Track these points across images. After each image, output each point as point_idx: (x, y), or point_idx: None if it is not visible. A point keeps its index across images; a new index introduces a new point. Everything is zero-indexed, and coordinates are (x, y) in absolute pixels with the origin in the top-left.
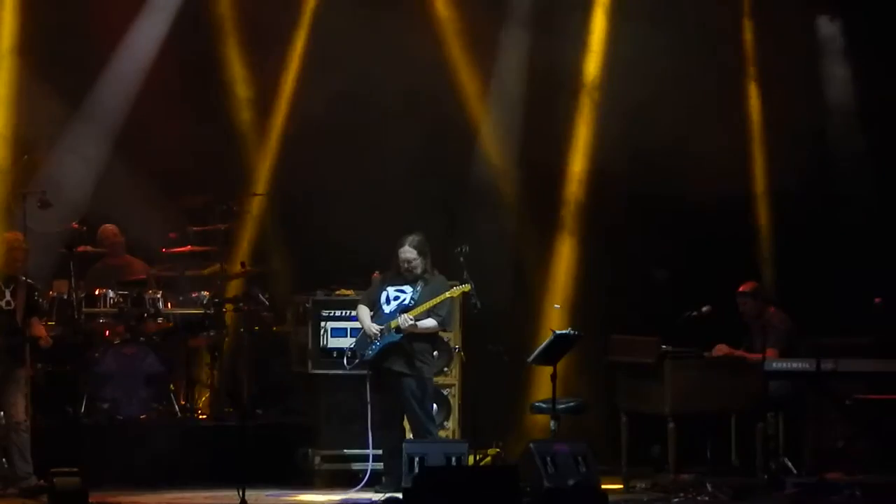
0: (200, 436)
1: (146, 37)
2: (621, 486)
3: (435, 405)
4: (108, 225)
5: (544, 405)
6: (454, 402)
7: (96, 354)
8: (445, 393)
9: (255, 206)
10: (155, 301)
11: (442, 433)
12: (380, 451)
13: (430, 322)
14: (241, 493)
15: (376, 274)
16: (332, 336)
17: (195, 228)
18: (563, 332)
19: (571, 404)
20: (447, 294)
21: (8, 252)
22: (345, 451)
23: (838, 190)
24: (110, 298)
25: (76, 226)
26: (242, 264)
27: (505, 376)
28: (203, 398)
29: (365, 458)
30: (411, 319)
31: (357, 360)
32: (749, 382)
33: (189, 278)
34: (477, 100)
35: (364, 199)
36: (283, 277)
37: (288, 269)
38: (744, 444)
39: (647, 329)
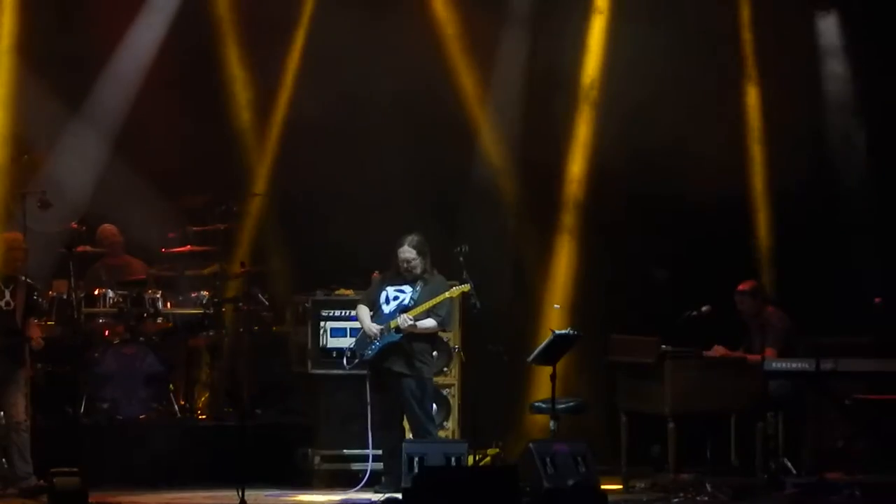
0: (200, 436)
1: (146, 37)
2: (621, 486)
3: (434, 405)
4: (107, 225)
5: (544, 405)
6: (454, 402)
7: (96, 354)
8: (445, 393)
9: (255, 205)
10: (154, 301)
11: (441, 433)
12: (379, 451)
13: (429, 322)
14: (240, 493)
15: (376, 274)
16: (331, 336)
17: (195, 228)
18: (563, 331)
19: (571, 404)
20: (447, 294)
21: (7, 252)
22: (344, 451)
23: (838, 190)
24: (110, 298)
25: (75, 226)
26: (242, 264)
27: (504, 376)
28: (202, 398)
29: (364, 458)
30: (411, 319)
31: (357, 360)
32: (749, 382)
33: (189, 278)
34: (477, 100)
35: (364, 199)
36: (282, 277)
37: (287, 268)
38: (743, 443)
39: (647, 329)
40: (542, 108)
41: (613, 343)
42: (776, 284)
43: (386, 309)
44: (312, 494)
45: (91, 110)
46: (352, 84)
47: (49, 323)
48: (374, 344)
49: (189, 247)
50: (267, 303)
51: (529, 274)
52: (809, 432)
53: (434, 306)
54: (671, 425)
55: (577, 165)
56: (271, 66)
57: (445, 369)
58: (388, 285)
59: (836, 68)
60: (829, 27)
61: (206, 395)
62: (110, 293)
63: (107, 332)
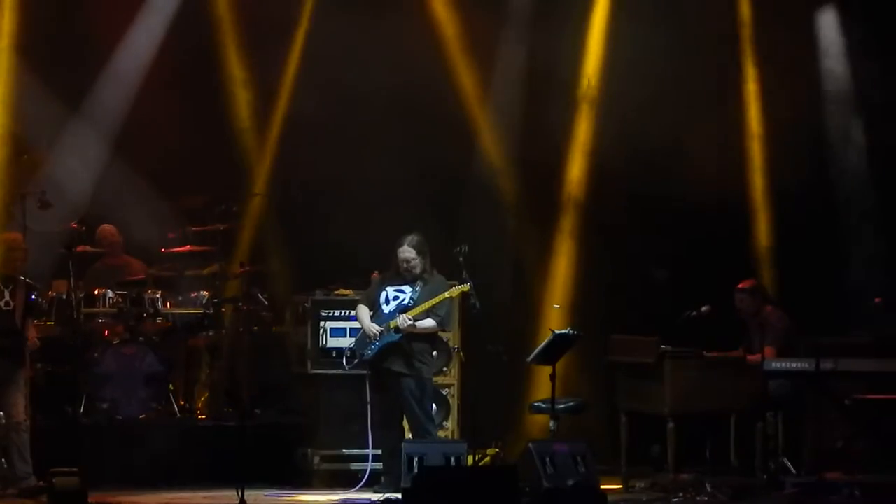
0: (199, 436)
1: (146, 37)
2: (620, 486)
3: (434, 405)
4: (106, 225)
5: (543, 405)
6: (453, 402)
7: (95, 354)
8: (445, 393)
9: (255, 205)
10: (154, 301)
11: (441, 433)
12: (379, 451)
13: (429, 322)
14: (240, 493)
15: (375, 274)
16: (331, 336)
17: (194, 228)
18: (563, 331)
19: (571, 404)
20: (446, 294)
21: (7, 252)
22: (344, 451)
23: (838, 190)
24: (109, 298)
25: (75, 226)
26: (242, 264)
27: (504, 376)
28: (202, 398)
29: (364, 458)
30: (410, 320)
31: (356, 360)
32: (748, 382)
33: (188, 278)
34: (476, 100)
35: (363, 199)
36: (282, 277)
37: (287, 268)
38: (743, 443)
39: (647, 329)
40: (542, 108)
41: (613, 343)
42: (776, 284)
43: (385, 309)
44: (312, 494)
45: (91, 110)
46: (351, 84)
47: (49, 323)
48: (374, 344)
49: (189, 247)
50: (266, 303)
51: (529, 274)
52: (809, 432)
53: (434, 306)
54: (671, 425)
55: (576, 165)
56: (271, 66)
57: (445, 369)
58: (387, 285)
59: (835, 67)
60: (828, 26)
61: (206, 394)
62: (110, 293)
63: (106, 332)
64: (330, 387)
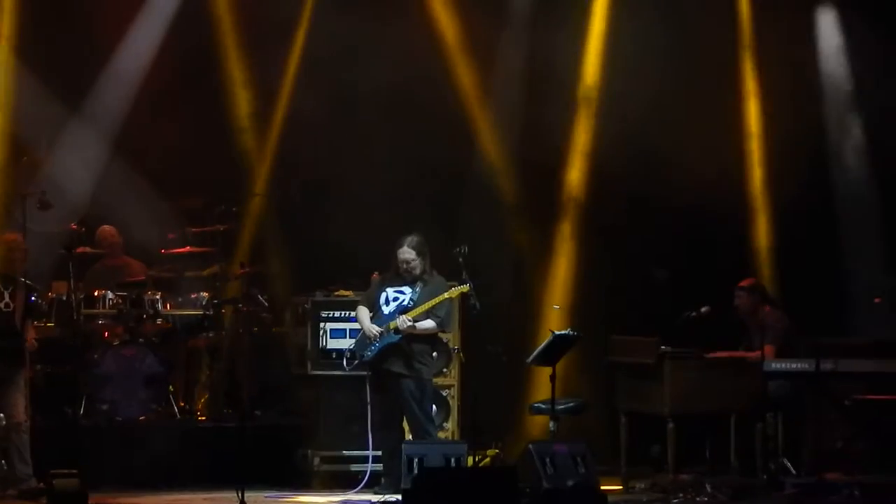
0: (199, 437)
1: (146, 37)
2: (620, 487)
3: (434, 406)
4: (106, 226)
5: (543, 406)
6: (453, 403)
7: (95, 356)
8: (444, 394)
9: (254, 206)
10: (154, 302)
11: (441, 434)
12: (379, 453)
13: (429, 323)
14: (240, 494)
15: (375, 275)
16: (331, 337)
17: (194, 229)
18: (563, 332)
19: (571, 405)
20: (446, 295)
21: (7, 253)
22: (344, 452)
23: (837, 190)
24: (109, 300)
25: (75, 227)
26: (241, 265)
27: (504, 377)
28: (202, 399)
29: (364, 460)
30: (410, 321)
31: (356, 361)
32: (748, 383)
33: (188, 279)
34: (476, 100)
35: (363, 199)
36: (282, 278)
37: (287, 269)
38: (743, 444)
39: (647, 329)
40: (542, 109)
41: (613, 343)
42: (776, 285)
43: (385, 310)
44: (312, 496)
45: (91, 110)
46: (351, 84)
47: (48, 324)
48: (374, 345)
49: (188, 248)
50: (266, 304)
51: (529, 274)
52: (809, 433)
53: (433, 307)
54: (671, 426)
55: (576, 166)
56: (271, 66)
57: (445, 370)
58: (387, 286)
59: (835, 67)
60: (828, 26)
61: (206, 396)
62: (110, 294)
63: (106, 334)
64: (330, 388)
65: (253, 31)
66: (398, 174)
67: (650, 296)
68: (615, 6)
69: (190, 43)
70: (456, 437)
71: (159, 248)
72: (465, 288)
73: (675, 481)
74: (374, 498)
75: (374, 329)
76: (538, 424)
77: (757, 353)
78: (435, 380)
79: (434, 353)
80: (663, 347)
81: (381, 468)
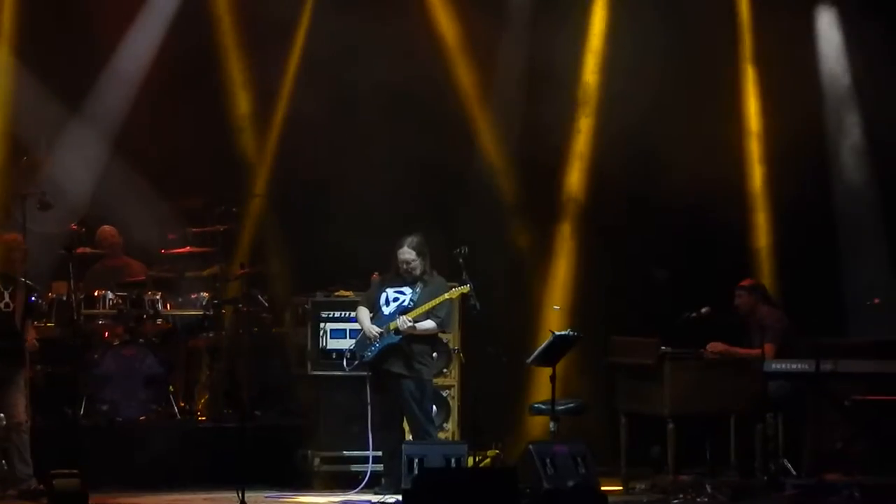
0: (199, 437)
1: (146, 37)
2: (620, 488)
3: (434, 406)
4: (106, 226)
5: (543, 406)
6: (453, 404)
7: (95, 356)
8: (445, 394)
9: (254, 207)
10: (154, 302)
11: (441, 435)
12: (379, 453)
13: (429, 324)
14: (240, 494)
15: (375, 275)
16: (331, 337)
17: (194, 230)
18: (563, 333)
19: (571, 405)
20: (446, 295)
21: (7, 253)
22: (344, 452)
23: (837, 190)
24: (109, 300)
25: (75, 227)
26: (242, 265)
27: (504, 377)
28: (202, 400)
29: (364, 460)
30: (410, 321)
31: (356, 362)
32: (748, 383)
33: (188, 280)
34: (476, 100)
35: (363, 200)
36: (282, 279)
37: (287, 270)
38: (743, 445)
39: (647, 330)
40: (542, 109)
41: (613, 344)
42: (776, 285)
43: (386, 310)
44: (312, 496)
45: (91, 110)
46: (351, 84)
47: (48, 324)
48: (374, 345)
49: (188, 248)
50: (266, 304)
51: (529, 275)
52: (809, 433)
53: (434, 308)
54: (671, 426)
55: (576, 166)
56: (271, 67)
57: (445, 371)
58: (387, 287)
59: (835, 67)
60: (828, 26)
61: (206, 396)
62: (110, 295)
63: (106, 334)
64: (330, 388)
65: (253, 31)
66: (398, 174)
67: (650, 296)
68: (615, 6)
69: (190, 43)
70: (456, 438)
71: (159, 249)
72: (466, 288)
73: (675, 482)
74: (375, 498)
75: (375, 329)
76: (538, 425)
77: (757, 351)
78: (435, 380)
79: (434, 354)
80: (663, 348)
81: (382, 468)
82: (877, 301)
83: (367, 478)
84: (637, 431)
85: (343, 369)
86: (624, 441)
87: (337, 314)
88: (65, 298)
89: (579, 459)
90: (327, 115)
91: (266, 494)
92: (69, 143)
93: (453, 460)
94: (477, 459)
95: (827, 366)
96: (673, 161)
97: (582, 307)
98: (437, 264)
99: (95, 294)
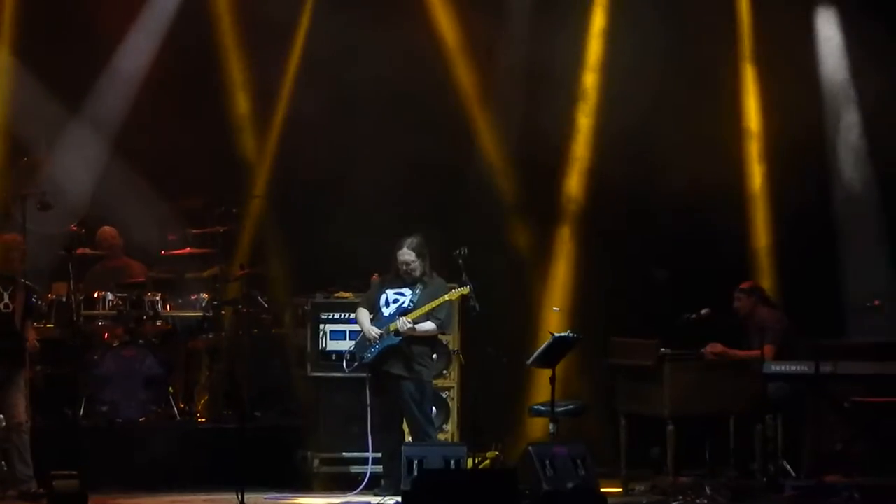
0: (199, 438)
1: (146, 37)
2: (620, 489)
3: (434, 408)
4: (106, 227)
5: (543, 408)
6: (453, 405)
7: (95, 357)
8: (444, 396)
9: (254, 208)
10: (154, 303)
11: (441, 436)
12: (379, 454)
13: (428, 325)
14: (239, 495)
15: (375, 276)
16: (330, 339)
17: (194, 231)
18: (562, 334)
19: (570, 407)
20: (446, 297)
21: (5, 253)
22: (343, 453)
23: (837, 190)
24: (109, 301)
25: (75, 228)
26: (241, 266)
27: (504, 379)
28: (202, 401)
29: (364, 461)
30: (410, 323)
31: (356, 363)
32: (748, 385)
33: (188, 281)
34: (476, 100)
35: (363, 201)
36: (281, 280)
37: (287, 271)
38: (742, 446)
39: (647, 331)
40: (541, 109)
41: (613, 345)
42: (775, 286)
43: (385, 312)
44: (312, 497)
45: (91, 110)
46: (351, 85)
47: (48, 325)
48: (374, 347)
49: (188, 249)
50: (266, 305)
51: (529, 276)
52: (808, 435)
53: (433, 309)
54: (670, 428)
55: (576, 167)
56: (271, 67)
57: (445, 372)
58: (387, 288)
59: (835, 67)
60: (827, 26)
61: (206, 397)
62: (110, 296)
63: (106, 335)
64: (329, 389)
65: (253, 31)
66: (398, 174)
67: (650, 297)
68: (614, 7)
69: (190, 43)
70: (456, 439)
71: (159, 250)
72: (466, 290)
73: (675, 483)
74: (374, 500)
75: (374, 331)
76: (538, 426)
77: (756, 353)
78: (435, 382)
79: (434, 355)
80: (663, 349)
81: (381, 470)
82: (876, 302)
83: (366, 479)
84: (637, 433)
85: (343, 370)
86: (624, 442)
87: (337, 315)
88: (64, 299)
89: (579, 461)
90: (327, 115)
91: (265, 496)
92: (69, 143)
93: (453, 462)
94: (476, 461)
95: (826, 367)
96: (672, 162)
97: (581, 308)
98: (437, 265)
99: (95, 295)
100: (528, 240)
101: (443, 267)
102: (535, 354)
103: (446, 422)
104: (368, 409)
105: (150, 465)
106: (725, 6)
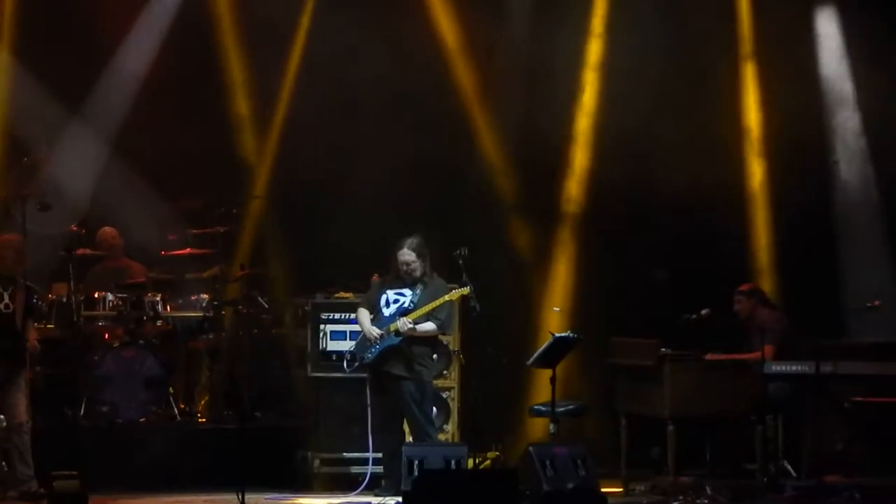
0: (199, 439)
1: (146, 37)
2: (621, 489)
3: (434, 408)
4: (106, 227)
5: (543, 408)
6: (453, 406)
7: (95, 357)
8: (445, 396)
9: (254, 208)
10: (154, 304)
11: (441, 436)
12: (379, 455)
13: (429, 326)
14: (240, 496)
15: (375, 277)
16: (331, 339)
17: (194, 231)
18: (563, 334)
19: (571, 407)
20: (446, 297)
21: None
22: (344, 454)
23: (837, 191)
24: (109, 301)
25: (75, 228)
26: (242, 267)
27: (504, 379)
28: (202, 401)
29: (364, 462)
30: (410, 323)
31: (356, 363)
32: (748, 385)
33: (188, 281)
34: (476, 101)
35: (363, 201)
36: (282, 280)
37: (287, 271)
38: (743, 446)
39: (647, 331)
40: (541, 110)
41: (613, 346)
42: (776, 287)
43: (386, 312)
44: (312, 498)
45: (91, 111)
46: (351, 85)
47: (49, 326)
48: (374, 347)
49: (189, 250)
50: (266, 306)
51: (529, 276)
52: (809, 435)
53: (434, 310)
54: (671, 428)
55: (576, 167)
56: (271, 67)
57: (445, 372)
58: (388, 288)
59: (835, 67)
60: (827, 25)
61: (206, 397)
62: (110, 296)
63: (106, 335)
64: (330, 390)
65: (253, 31)
66: (398, 175)
67: (650, 298)
68: (614, 6)
69: (190, 43)
70: (456, 440)
71: (159, 250)
72: (466, 290)
73: (676, 483)
74: (375, 500)
75: (375, 331)
76: (538, 427)
77: (756, 354)
78: (435, 382)
79: (434, 356)
80: (663, 350)
81: (382, 470)
82: (877, 303)
83: (367, 479)
84: (637, 433)
85: (343, 371)
86: (624, 442)
87: (337, 316)
88: (65, 300)
89: (579, 461)
90: (327, 115)
91: (266, 496)
92: (69, 143)
93: (453, 462)
94: (477, 461)
95: (827, 367)
96: (672, 162)
97: (582, 308)
98: (437, 266)
99: (95, 295)
100: (528, 240)
101: (443, 267)
102: (536, 354)
103: (447, 422)
104: (369, 410)
105: (151, 465)
106: (725, 6)
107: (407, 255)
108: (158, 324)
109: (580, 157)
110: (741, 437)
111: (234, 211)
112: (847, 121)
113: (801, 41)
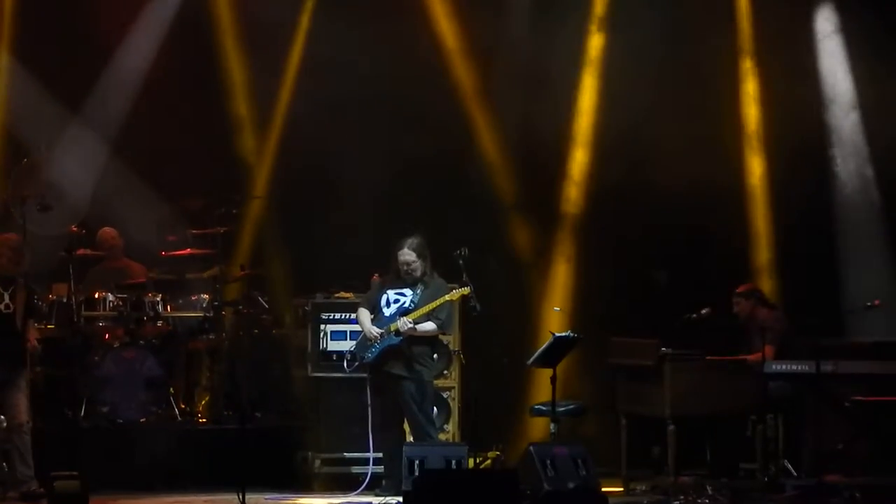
0: (200, 439)
1: (146, 37)
2: (621, 489)
3: (435, 408)
4: (107, 228)
5: (544, 408)
6: (454, 405)
7: (96, 358)
8: (445, 396)
9: (255, 208)
10: (154, 304)
11: (442, 436)
12: (380, 455)
13: (429, 325)
14: (240, 496)
15: (376, 277)
16: (331, 339)
17: (194, 231)
18: (563, 334)
19: (571, 407)
20: (447, 297)
21: None
22: (344, 454)
23: (838, 191)
24: (109, 302)
25: (75, 229)
26: (242, 267)
27: (504, 379)
28: (202, 401)
29: (365, 462)
30: (410, 323)
31: (356, 363)
32: (748, 384)
33: (188, 281)
34: (475, 101)
35: (363, 201)
36: (282, 280)
37: (287, 271)
38: (743, 446)
39: (647, 331)
40: (541, 110)
41: (613, 346)
42: (776, 287)
43: (386, 312)
44: (313, 498)
45: (91, 111)
46: (351, 86)
47: (49, 326)
48: (374, 347)
49: (189, 250)
50: (267, 306)
51: (529, 276)
52: (809, 434)
53: (434, 309)
54: (671, 427)
55: (576, 167)
56: (271, 68)
57: (445, 372)
58: (388, 288)
59: (835, 66)
60: (827, 25)
61: (206, 398)
62: (110, 296)
63: (107, 336)
64: (330, 390)
65: (253, 31)
66: (398, 175)
67: (650, 298)
68: (614, 6)
69: (190, 43)
70: (456, 439)
71: (159, 250)
72: (466, 290)
73: (676, 483)
74: (375, 500)
75: (375, 331)
76: (539, 426)
77: (757, 355)
78: (435, 382)
79: (434, 355)
80: (664, 349)
81: (382, 470)
82: (877, 302)
83: (367, 479)
84: (637, 433)
85: (343, 371)
86: (624, 442)
87: (337, 316)
88: (65, 300)
89: (580, 461)
90: (327, 115)
91: (266, 496)
92: (69, 143)
93: (454, 462)
94: (477, 461)
95: (827, 367)
96: (672, 161)
97: (582, 308)
98: (437, 266)
99: (96, 296)
100: (528, 240)
101: (443, 267)
102: (536, 354)
103: (447, 422)
104: (369, 410)
105: (151, 465)
106: (724, 5)
107: (407, 255)
108: (159, 324)
109: (580, 157)
110: (741, 437)
111: (234, 211)
112: (847, 120)
113: (801, 40)
